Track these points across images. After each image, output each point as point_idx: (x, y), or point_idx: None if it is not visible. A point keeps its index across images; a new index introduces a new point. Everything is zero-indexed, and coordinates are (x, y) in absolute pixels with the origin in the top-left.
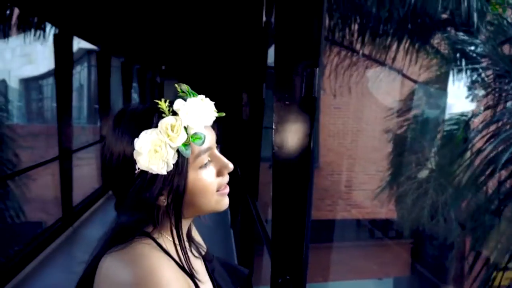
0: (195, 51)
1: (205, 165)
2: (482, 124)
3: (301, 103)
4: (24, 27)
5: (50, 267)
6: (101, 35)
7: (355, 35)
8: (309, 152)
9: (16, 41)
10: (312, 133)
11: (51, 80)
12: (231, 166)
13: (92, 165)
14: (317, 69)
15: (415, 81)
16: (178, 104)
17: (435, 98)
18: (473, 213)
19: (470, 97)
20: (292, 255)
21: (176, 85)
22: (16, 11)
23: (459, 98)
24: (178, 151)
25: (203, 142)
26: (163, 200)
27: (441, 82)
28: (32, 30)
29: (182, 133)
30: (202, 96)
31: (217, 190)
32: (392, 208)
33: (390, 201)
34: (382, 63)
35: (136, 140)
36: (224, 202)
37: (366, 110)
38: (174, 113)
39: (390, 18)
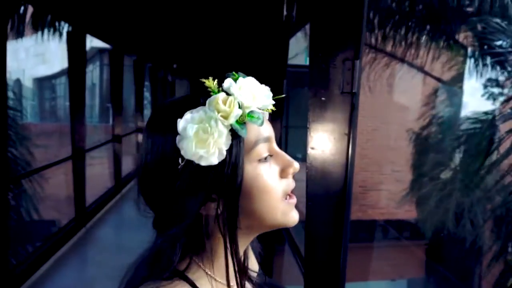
0: (208, 48)
1: (265, 159)
2: (502, 119)
3: (339, 100)
4: (38, 26)
5: (64, 268)
6: (114, 33)
7: (375, 30)
8: (347, 153)
9: (30, 40)
10: (351, 133)
11: (64, 79)
12: (297, 165)
13: (104, 164)
14: (358, 61)
15: (437, 79)
16: (229, 82)
17: (457, 96)
18: (500, 215)
19: (487, 95)
20: (327, 270)
21: (225, 79)
22: (30, 11)
23: (476, 95)
24: (231, 134)
25: (262, 122)
26: (213, 207)
27: (464, 80)
28: (46, 30)
29: (236, 108)
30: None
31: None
32: (409, 209)
33: (411, 202)
34: (402, 60)
35: (179, 120)
36: (293, 215)
37: (382, 108)
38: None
39: (412, 12)
